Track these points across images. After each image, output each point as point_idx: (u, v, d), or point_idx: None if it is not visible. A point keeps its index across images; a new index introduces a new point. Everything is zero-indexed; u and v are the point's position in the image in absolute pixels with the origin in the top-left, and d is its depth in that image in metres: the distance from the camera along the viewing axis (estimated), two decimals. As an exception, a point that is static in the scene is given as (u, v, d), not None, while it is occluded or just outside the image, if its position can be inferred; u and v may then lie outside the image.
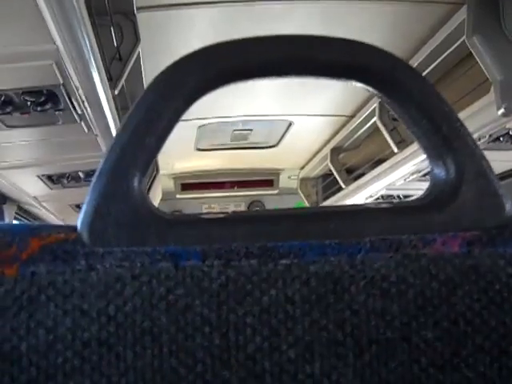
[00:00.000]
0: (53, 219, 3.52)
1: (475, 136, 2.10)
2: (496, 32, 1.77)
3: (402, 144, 2.67)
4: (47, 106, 1.62)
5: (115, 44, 1.91)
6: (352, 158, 3.55)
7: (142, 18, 1.93)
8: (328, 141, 3.58)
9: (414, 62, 2.28)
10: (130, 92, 2.38)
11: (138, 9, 1.89)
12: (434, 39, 2.13)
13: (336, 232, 0.50)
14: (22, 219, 3.32)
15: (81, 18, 1.29)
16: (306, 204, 4.37)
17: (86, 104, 1.69)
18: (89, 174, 2.60)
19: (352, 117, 3.13)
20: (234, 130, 3.40)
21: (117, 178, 0.50)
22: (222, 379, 0.47)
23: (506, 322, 0.48)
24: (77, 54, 1.39)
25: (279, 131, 3.45)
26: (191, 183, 4.40)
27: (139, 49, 1.97)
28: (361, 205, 0.55)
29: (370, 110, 2.87)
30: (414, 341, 0.48)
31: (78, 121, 1.78)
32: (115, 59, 1.90)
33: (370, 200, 3.48)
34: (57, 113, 1.69)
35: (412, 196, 3.40)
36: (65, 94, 1.57)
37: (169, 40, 2.21)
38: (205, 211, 4.59)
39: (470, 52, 1.85)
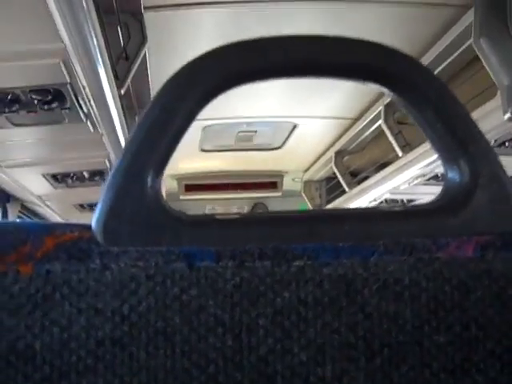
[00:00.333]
0: (56, 218, 3.52)
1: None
2: (503, 35, 1.77)
3: (406, 148, 2.66)
4: (54, 105, 1.62)
5: (122, 43, 1.91)
6: (356, 161, 3.54)
7: (148, 17, 1.94)
8: (332, 143, 3.58)
9: (421, 65, 2.28)
10: (136, 92, 2.38)
11: (145, 8, 1.89)
12: (441, 42, 2.13)
13: (349, 234, 0.50)
14: (26, 218, 3.33)
15: (89, 16, 1.29)
16: (310, 207, 4.37)
17: (92, 103, 1.70)
18: (93, 174, 2.60)
19: (357, 120, 3.13)
20: (239, 132, 3.40)
21: (132, 178, 0.50)
22: (234, 380, 0.47)
23: None
24: (84, 52, 1.40)
25: (283, 133, 3.45)
26: (195, 184, 4.40)
27: (146, 48, 1.97)
28: (374, 207, 0.55)
29: (375, 113, 2.86)
30: (425, 345, 0.48)
31: (84, 120, 1.78)
32: (122, 58, 1.91)
33: (373, 204, 3.47)
34: (63, 111, 1.69)
35: (416, 200, 3.40)
36: (71, 93, 1.58)
37: (175, 40, 2.22)
38: (208, 213, 4.59)
39: (477, 55, 1.85)
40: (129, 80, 1.93)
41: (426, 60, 2.25)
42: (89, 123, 1.83)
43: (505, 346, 0.48)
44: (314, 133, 3.40)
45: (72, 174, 2.61)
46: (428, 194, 3.14)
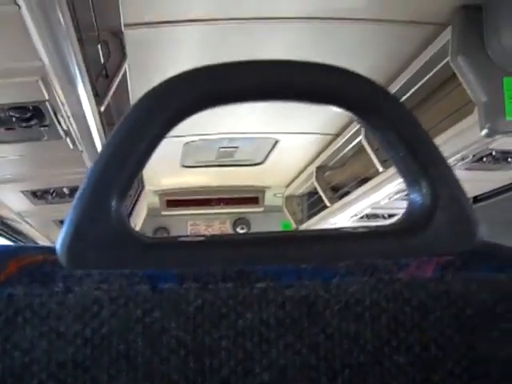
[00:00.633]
0: (36, 235, 3.49)
1: (459, 155, 2.12)
2: (480, 54, 1.80)
3: (386, 163, 2.68)
4: (32, 122, 1.62)
5: (102, 61, 1.91)
6: (337, 176, 3.56)
7: (129, 34, 1.94)
8: (313, 159, 3.60)
9: (400, 81, 2.30)
10: (117, 108, 2.38)
11: (125, 26, 1.89)
12: (420, 59, 2.15)
13: (312, 256, 0.51)
14: (5, 234, 3.30)
15: (67, 34, 1.29)
16: (292, 222, 4.37)
17: (71, 120, 1.69)
18: (73, 190, 2.59)
19: (337, 135, 3.15)
20: (220, 148, 3.41)
21: (96, 201, 0.50)
22: None
23: (476, 348, 0.49)
24: (63, 70, 1.39)
25: (265, 149, 3.46)
26: (177, 200, 4.39)
27: (126, 66, 1.97)
28: (337, 229, 0.56)
29: (355, 129, 2.88)
30: (386, 365, 0.48)
31: (64, 137, 1.78)
32: (101, 76, 1.91)
33: (354, 219, 3.49)
34: (42, 129, 1.68)
35: (396, 215, 3.42)
36: (50, 110, 1.57)
37: (156, 57, 2.22)
38: (190, 228, 4.58)
39: (454, 73, 1.87)
40: (109, 97, 1.93)
41: (405, 76, 2.27)
42: (68, 140, 1.82)
43: (464, 366, 0.48)
44: (295, 148, 3.42)
45: (52, 191, 2.59)
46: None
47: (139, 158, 0.51)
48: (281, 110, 2.81)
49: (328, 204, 3.60)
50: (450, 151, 2.11)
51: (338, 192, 3.56)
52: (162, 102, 0.51)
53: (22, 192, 2.50)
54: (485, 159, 2.16)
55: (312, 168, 3.65)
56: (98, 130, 1.89)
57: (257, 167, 3.76)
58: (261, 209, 4.47)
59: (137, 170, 0.51)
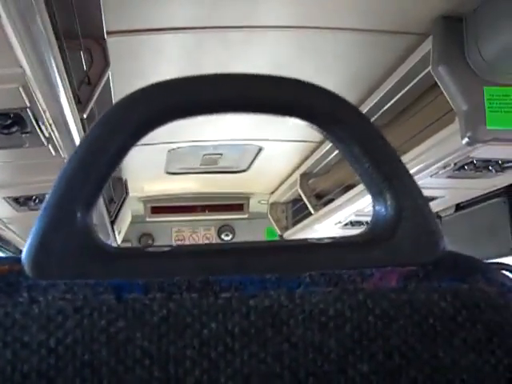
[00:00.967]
0: (19, 241, 3.47)
1: (441, 163, 2.14)
2: (460, 63, 1.81)
3: (370, 170, 2.69)
4: (13, 129, 1.61)
5: (84, 68, 1.91)
6: (321, 183, 3.57)
7: (112, 42, 1.94)
8: (298, 166, 3.61)
9: (382, 90, 2.32)
10: (100, 115, 2.38)
11: (108, 33, 1.89)
12: (401, 68, 2.17)
13: (277, 266, 0.51)
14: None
15: (47, 41, 1.29)
16: (276, 229, 4.37)
17: (53, 127, 1.69)
18: (56, 197, 2.58)
19: (321, 143, 3.16)
20: (204, 155, 3.41)
21: (61, 211, 0.50)
22: None
23: (438, 356, 0.49)
24: (44, 77, 1.39)
25: (249, 156, 3.47)
26: (161, 206, 4.39)
27: (109, 73, 1.97)
28: (303, 240, 0.56)
29: (338, 137, 2.89)
30: (350, 373, 0.49)
31: (45, 144, 1.77)
32: (84, 83, 1.90)
33: (339, 226, 3.50)
34: (23, 135, 1.68)
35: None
36: (32, 117, 1.57)
37: (139, 64, 2.22)
38: (174, 235, 4.58)
39: (436, 82, 1.89)
40: (91, 104, 1.93)
41: (387, 85, 2.29)
42: (50, 147, 1.82)
43: (426, 373, 0.49)
44: (279, 155, 3.43)
45: (34, 197, 2.58)
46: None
47: (104, 169, 0.51)
48: (265, 117, 2.80)
49: (312, 211, 3.61)
50: (432, 159, 2.13)
51: (323, 199, 3.57)
52: (126, 115, 0.51)
53: (4, 199, 2.48)
54: (466, 167, 2.18)
55: (296, 175, 3.66)
56: (80, 136, 1.89)
57: (241, 174, 3.77)
58: (245, 216, 4.48)
59: (102, 181, 0.51)
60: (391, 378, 0.48)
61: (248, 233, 4.56)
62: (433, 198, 2.58)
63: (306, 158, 3.44)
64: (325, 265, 0.52)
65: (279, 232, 4.37)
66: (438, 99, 2.07)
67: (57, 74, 1.41)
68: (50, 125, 1.66)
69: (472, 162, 2.14)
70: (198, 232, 4.60)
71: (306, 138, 3.15)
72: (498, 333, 0.50)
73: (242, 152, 3.40)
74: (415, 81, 2.15)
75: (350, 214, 3.24)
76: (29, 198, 2.56)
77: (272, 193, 4.27)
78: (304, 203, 3.70)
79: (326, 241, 0.55)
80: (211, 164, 3.58)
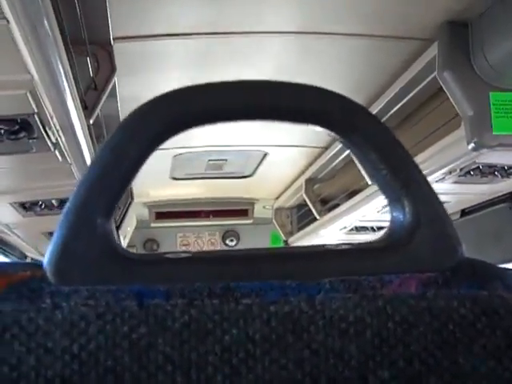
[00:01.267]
0: (24, 246, 3.48)
1: (446, 169, 2.14)
2: (466, 68, 1.82)
3: (375, 176, 2.69)
4: (21, 135, 1.62)
5: (91, 73, 1.92)
6: (326, 188, 3.57)
7: (118, 48, 1.95)
8: (303, 171, 3.61)
9: (387, 96, 2.32)
10: (106, 121, 2.39)
11: (114, 39, 1.90)
12: (406, 74, 2.17)
13: (297, 273, 0.52)
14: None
15: (55, 47, 1.30)
16: (281, 234, 4.37)
17: (60, 133, 1.69)
18: (62, 202, 2.58)
19: (327, 148, 3.16)
20: (209, 160, 3.41)
21: (82, 218, 0.51)
22: None
23: (458, 362, 0.49)
24: (52, 83, 1.40)
25: (254, 161, 3.47)
26: (166, 212, 4.39)
27: (115, 78, 1.98)
28: (321, 246, 0.56)
29: (344, 142, 2.89)
30: (370, 380, 0.49)
31: (52, 149, 1.78)
32: (91, 88, 1.91)
33: (344, 231, 3.49)
34: (30, 141, 1.68)
35: (385, 228, 3.42)
36: (39, 123, 1.57)
37: (145, 70, 2.23)
38: (179, 240, 4.58)
39: (441, 87, 1.89)
40: (98, 110, 1.93)
41: (392, 90, 2.29)
42: (57, 152, 1.83)
43: (446, 380, 0.49)
44: (284, 161, 3.43)
45: (40, 203, 2.59)
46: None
47: (124, 176, 0.51)
48: (270, 123, 2.82)
49: (317, 216, 3.60)
50: (437, 165, 2.13)
51: (328, 204, 3.57)
52: (146, 122, 0.51)
53: (11, 204, 2.49)
54: (472, 173, 2.17)
55: (301, 180, 3.66)
56: (86, 142, 1.90)
57: (246, 179, 3.77)
58: (250, 221, 4.48)
59: (122, 188, 0.51)
60: None
61: (253, 238, 4.55)
62: (438, 204, 2.58)
63: (311, 164, 3.44)
64: (344, 271, 0.52)
65: (284, 237, 4.36)
66: (443, 105, 2.08)
67: (64, 80, 1.42)
68: (57, 130, 1.67)
69: (478, 167, 2.14)
70: (202, 237, 4.60)
71: (311, 144, 3.15)
72: None
73: (247, 157, 3.41)
74: (421, 86, 2.15)
75: (355, 219, 3.23)
76: (35, 204, 2.57)
77: (277, 198, 4.27)
78: (309, 208, 3.70)
79: (344, 247, 0.55)
80: (216, 169, 3.58)
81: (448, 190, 2.40)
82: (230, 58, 2.16)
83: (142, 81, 2.26)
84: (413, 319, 0.50)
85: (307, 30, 1.99)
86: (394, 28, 1.97)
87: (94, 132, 2.14)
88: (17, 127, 1.60)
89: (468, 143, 1.83)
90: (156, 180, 3.61)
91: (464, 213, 2.87)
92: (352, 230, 3.47)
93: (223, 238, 4.61)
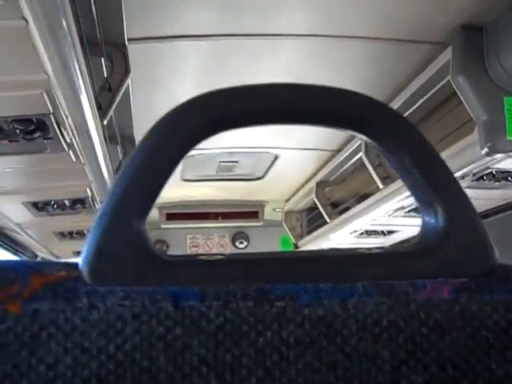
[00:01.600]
0: (35, 246, 3.50)
1: (459, 174, 2.13)
2: (480, 72, 1.81)
3: (386, 180, 2.69)
4: (36, 135, 1.63)
5: (105, 74, 1.93)
6: (337, 192, 3.57)
7: (132, 48, 1.96)
8: (313, 174, 3.61)
9: (400, 100, 2.32)
10: (119, 122, 2.40)
11: (128, 40, 1.91)
12: (420, 78, 2.17)
13: (330, 276, 0.52)
14: (4, 245, 3.30)
15: (73, 48, 1.31)
16: (291, 237, 4.37)
17: (74, 133, 1.70)
18: (74, 202, 2.60)
19: (338, 151, 3.16)
20: (220, 162, 3.42)
21: (118, 219, 0.51)
22: None
23: (491, 368, 0.49)
24: (68, 83, 1.41)
25: (265, 164, 3.48)
26: (176, 213, 4.40)
27: (129, 80, 1.99)
28: (353, 249, 0.56)
29: (356, 146, 2.90)
30: None
31: (66, 149, 1.79)
32: (105, 89, 1.92)
33: (354, 235, 3.49)
34: (45, 141, 1.69)
35: (395, 232, 3.42)
36: (54, 123, 1.58)
37: (158, 71, 2.24)
38: (189, 242, 4.59)
39: (455, 91, 1.89)
40: (112, 110, 1.94)
41: (405, 94, 2.29)
42: (71, 153, 1.84)
43: None
44: (295, 164, 3.43)
45: (53, 202, 2.60)
46: (408, 226, 3.16)
47: (159, 177, 0.52)
48: (281, 125, 2.82)
49: (328, 220, 3.60)
50: (450, 169, 2.12)
51: (338, 208, 3.57)
52: (180, 124, 0.52)
53: (23, 204, 2.50)
54: (485, 178, 2.17)
55: (312, 183, 3.66)
56: (100, 143, 1.91)
57: (257, 182, 3.78)
58: (260, 223, 4.48)
59: (157, 189, 0.52)
60: None
61: (262, 241, 4.55)
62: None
63: (322, 167, 3.44)
64: (377, 275, 0.52)
65: (294, 240, 4.36)
66: (457, 109, 2.07)
67: (80, 80, 1.43)
68: (72, 131, 1.68)
69: (491, 172, 2.13)
70: (212, 239, 4.61)
71: (322, 147, 3.15)
72: None
73: (258, 160, 3.41)
74: (434, 90, 2.15)
75: (365, 223, 3.23)
76: (47, 203, 2.59)
77: (287, 201, 4.27)
78: (319, 211, 3.70)
79: (376, 251, 0.55)
80: (227, 171, 3.59)
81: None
82: (244, 60, 2.16)
83: (155, 82, 2.27)
84: (446, 324, 0.50)
85: (321, 33, 2.00)
86: (407, 31, 1.97)
87: (108, 133, 2.15)
88: (32, 127, 1.61)
89: (481, 148, 1.83)
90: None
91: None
92: (362, 233, 3.47)
93: (233, 240, 4.61)
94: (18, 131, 1.60)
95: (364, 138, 0.54)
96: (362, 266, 0.53)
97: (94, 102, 1.65)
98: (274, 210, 4.40)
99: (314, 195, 3.65)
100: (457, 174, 2.13)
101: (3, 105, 1.49)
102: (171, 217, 4.42)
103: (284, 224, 4.39)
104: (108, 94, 1.92)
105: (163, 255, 0.52)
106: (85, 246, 0.51)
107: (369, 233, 3.47)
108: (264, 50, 2.11)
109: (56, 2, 1.13)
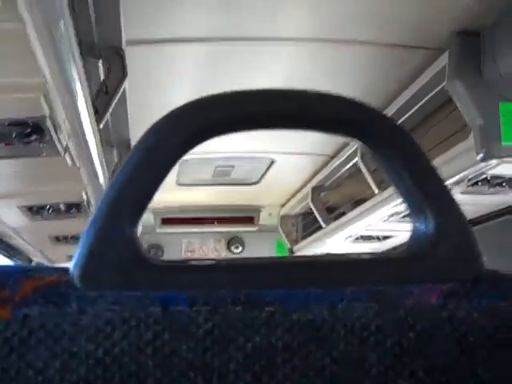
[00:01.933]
0: (30, 250, 3.48)
1: (455, 179, 2.14)
2: (476, 78, 1.82)
3: (382, 185, 2.70)
4: (32, 138, 1.62)
5: (102, 77, 1.92)
6: (333, 197, 3.57)
7: (129, 52, 1.96)
8: (309, 179, 3.61)
9: (397, 104, 2.32)
10: (115, 126, 2.39)
11: (126, 43, 1.91)
12: (416, 83, 2.18)
13: (319, 281, 0.52)
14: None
15: (70, 51, 1.30)
16: (286, 242, 4.37)
17: (70, 137, 1.70)
18: (70, 207, 2.59)
19: (333, 156, 3.17)
20: (216, 167, 3.42)
21: (110, 224, 0.51)
22: None
23: (477, 373, 0.50)
24: (65, 86, 1.40)
25: (261, 169, 3.48)
26: (171, 218, 4.39)
27: (126, 83, 1.99)
28: (344, 255, 0.57)
29: (351, 151, 2.90)
30: None
31: (62, 153, 1.78)
32: (102, 92, 1.92)
33: (349, 240, 3.49)
34: (41, 145, 1.68)
35: (391, 237, 3.42)
36: (51, 127, 1.58)
37: (154, 75, 2.24)
38: (184, 246, 4.58)
39: (451, 97, 1.89)
40: (108, 114, 1.94)
41: (402, 99, 2.30)
42: (66, 157, 1.83)
43: None
44: (291, 168, 3.44)
45: (48, 207, 2.59)
46: (402, 231, 3.17)
47: (152, 182, 0.52)
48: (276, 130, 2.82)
49: (323, 225, 3.60)
50: (445, 175, 2.12)
51: (333, 213, 3.57)
52: (174, 129, 0.52)
53: (18, 208, 2.49)
54: (480, 183, 2.17)
55: (308, 188, 3.67)
56: (96, 146, 1.90)
57: (252, 186, 3.78)
58: (255, 228, 4.48)
59: (149, 194, 0.52)
60: None
61: (258, 245, 4.55)
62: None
63: (318, 172, 3.45)
64: (366, 280, 0.52)
65: (289, 245, 4.36)
66: (452, 114, 2.08)
67: (77, 83, 1.42)
68: (68, 134, 1.67)
69: (486, 178, 2.14)
70: (207, 244, 4.60)
71: (318, 152, 3.16)
72: None
73: (254, 164, 3.41)
74: (430, 95, 2.15)
75: (360, 228, 3.23)
76: (42, 208, 2.58)
77: (283, 205, 4.27)
78: (315, 217, 3.70)
79: (366, 256, 0.55)
80: (223, 176, 3.59)
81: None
82: (242, 64, 2.16)
83: (152, 85, 2.27)
84: (433, 329, 0.50)
85: (318, 37, 2.00)
86: (404, 36, 1.98)
87: (104, 136, 2.14)
88: (28, 130, 1.60)
89: (477, 154, 1.83)
90: (162, 185, 3.59)
91: (471, 223, 2.86)
92: (358, 238, 3.47)
93: (228, 245, 4.61)
94: (13, 134, 1.60)
95: (359, 143, 0.55)
96: (352, 271, 0.54)
97: (90, 106, 1.64)
98: (269, 214, 4.40)
99: (309, 200, 3.65)
100: (452, 180, 2.13)
101: (0, 108, 1.48)
102: (167, 221, 4.42)
103: (279, 229, 4.39)
104: (105, 97, 1.91)
105: (154, 260, 0.52)
106: (76, 250, 0.51)
107: (364, 238, 3.47)
108: (261, 54, 2.12)
109: (53, 4, 1.13)
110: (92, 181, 2.20)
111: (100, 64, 1.85)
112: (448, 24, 1.84)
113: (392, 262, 0.55)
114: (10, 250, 3.41)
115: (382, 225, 3.07)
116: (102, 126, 1.96)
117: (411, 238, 0.55)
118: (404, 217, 2.82)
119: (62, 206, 2.58)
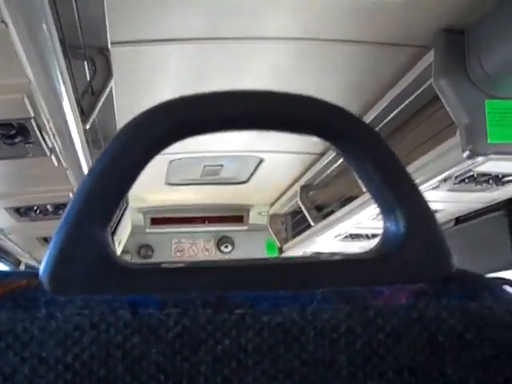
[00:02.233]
0: (18, 251, 3.47)
1: (441, 177, 2.15)
2: (462, 76, 1.82)
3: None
4: (17, 139, 1.61)
5: (88, 78, 1.92)
6: (321, 195, 3.57)
7: (115, 52, 1.95)
8: (298, 178, 3.61)
9: (384, 102, 2.33)
10: (102, 126, 2.38)
11: (112, 44, 1.90)
12: (403, 81, 2.18)
13: (290, 283, 0.52)
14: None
15: (53, 52, 1.30)
16: (276, 241, 4.37)
17: (56, 138, 1.69)
18: (57, 207, 2.58)
19: (322, 155, 3.17)
20: (205, 166, 3.42)
21: (79, 227, 0.51)
22: None
23: (447, 373, 0.50)
24: (49, 87, 1.40)
25: (250, 167, 3.48)
26: (161, 218, 4.39)
27: (112, 83, 1.98)
28: (315, 257, 0.57)
29: (339, 149, 2.90)
30: None
31: (48, 154, 1.78)
32: (87, 93, 1.91)
33: (338, 238, 3.50)
34: (27, 146, 1.68)
35: (379, 235, 3.42)
36: (35, 128, 1.57)
37: (142, 75, 2.23)
38: (174, 246, 4.58)
39: (437, 95, 1.90)
40: (94, 115, 1.93)
41: (388, 97, 2.30)
42: (53, 157, 1.82)
43: None
44: (280, 167, 3.44)
45: (36, 208, 2.58)
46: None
47: (121, 184, 0.51)
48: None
49: (312, 223, 3.61)
50: (432, 172, 2.14)
51: (322, 211, 3.57)
52: (143, 131, 0.51)
53: (5, 209, 2.48)
54: (467, 181, 2.18)
55: (296, 187, 3.67)
56: (82, 147, 1.90)
57: (241, 185, 3.77)
58: (245, 227, 4.48)
59: (119, 196, 0.51)
60: None
61: (247, 245, 4.55)
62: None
63: (307, 170, 3.45)
64: (337, 281, 0.52)
65: (279, 244, 4.36)
66: (439, 112, 2.08)
67: (62, 84, 1.42)
68: (54, 135, 1.66)
69: (472, 175, 2.14)
70: (197, 244, 4.60)
71: (306, 150, 3.16)
72: (506, 350, 0.50)
73: (243, 163, 3.41)
74: (417, 93, 2.16)
75: (349, 226, 3.24)
76: (30, 209, 2.57)
77: (272, 204, 4.27)
78: (304, 215, 3.70)
79: (338, 257, 0.55)
80: (212, 175, 3.58)
81: (443, 198, 2.41)
82: (228, 63, 2.16)
83: (138, 86, 2.26)
84: (403, 330, 0.50)
85: (304, 37, 2.00)
86: (390, 35, 1.98)
87: (90, 137, 2.14)
88: (13, 132, 1.60)
89: (463, 151, 1.84)
90: (151, 185, 3.61)
91: (459, 221, 2.88)
92: (347, 237, 3.47)
93: (218, 245, 4.61)
94: (-1, 136, 1.59)
95: (327, 143, 0.55)
96: (323, 272, 0.54)
97: (75, 107, 1.64)
98: (259, 213, 4.40)
99: (298, 199, 3.65)
100: (439, 177, 2.14)
101: (-17, 109, 1.47)
102: (156, 221, 4.41)
103: (269, 228, 4.39)
104: (91, 97, 1.91)
105: (125, 263, 0.52)
106: (45, 255, 0.51)
107: (353, 236, 3.47)
108: (247, 53, 2.12)
109: (36, 5, 1.12)
110: (79, 182, 2.19)
111: (85, 65, 1.84)
112: (433, 22, 1.85)
113: (363, 262, 0.55)
114: (-2, 252, 3.39)
115: (371, 223, 3.07)
116: (88, 126, 1.95)
117: (382, 238, 0.55)
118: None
119: (49, 207, 2.57)
